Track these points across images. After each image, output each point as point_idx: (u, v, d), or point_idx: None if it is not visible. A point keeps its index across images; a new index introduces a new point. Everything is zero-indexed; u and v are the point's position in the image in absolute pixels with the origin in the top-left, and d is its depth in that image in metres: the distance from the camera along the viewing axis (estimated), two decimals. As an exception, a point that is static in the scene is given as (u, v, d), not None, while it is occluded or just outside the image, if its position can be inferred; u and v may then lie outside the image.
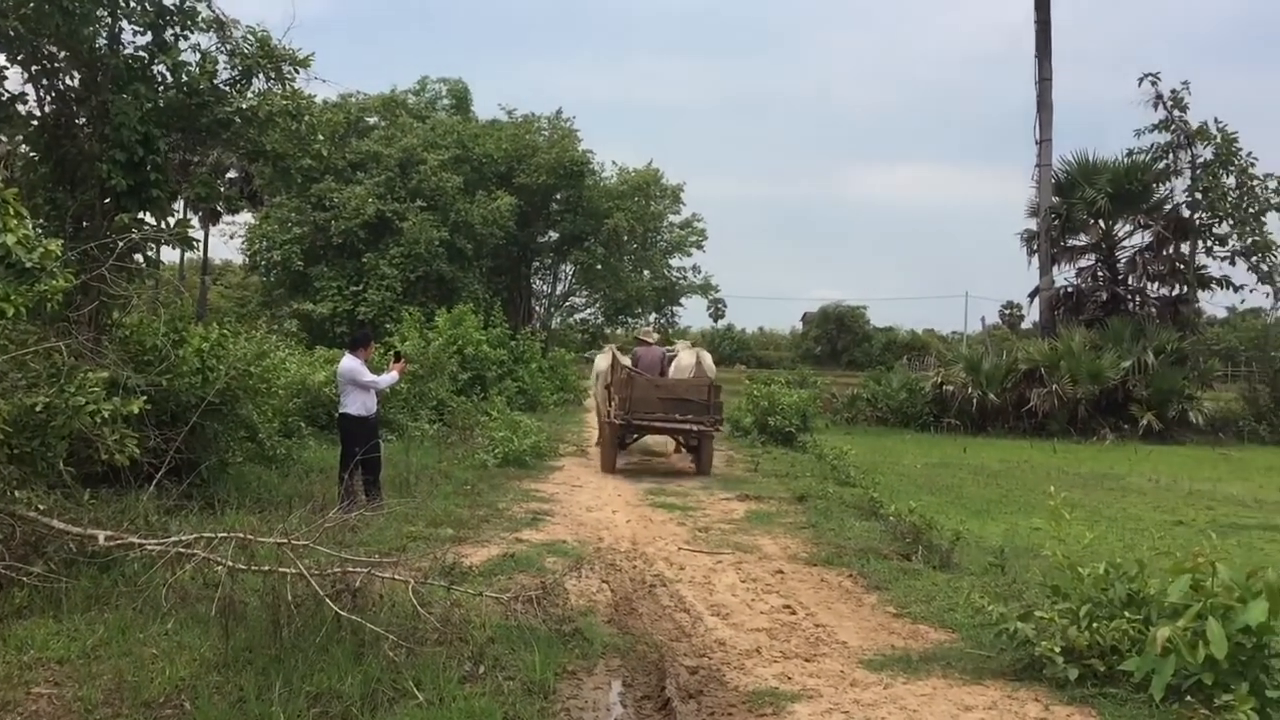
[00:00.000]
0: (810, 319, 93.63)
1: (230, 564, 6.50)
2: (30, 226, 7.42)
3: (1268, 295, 31.75)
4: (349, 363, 12.12)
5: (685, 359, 18.79)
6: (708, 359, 19.07)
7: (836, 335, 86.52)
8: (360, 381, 11.96)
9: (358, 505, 10.39)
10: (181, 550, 6.84)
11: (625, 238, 43.50)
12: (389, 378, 12.65)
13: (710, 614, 8.07)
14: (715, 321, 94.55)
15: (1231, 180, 30.83)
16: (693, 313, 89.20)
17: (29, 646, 6.05)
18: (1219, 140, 30.73)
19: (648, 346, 19.16)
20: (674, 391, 17.01)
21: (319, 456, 14.78)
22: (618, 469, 17.26)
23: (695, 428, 16.96)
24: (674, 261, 48.17)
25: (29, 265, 7.27)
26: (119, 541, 7.13)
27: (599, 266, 43.77)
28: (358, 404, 11.97)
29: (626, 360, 18.36)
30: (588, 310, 49.05)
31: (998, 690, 6.26)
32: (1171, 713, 5.45)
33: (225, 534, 6.94)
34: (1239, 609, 5.62)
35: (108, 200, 10.95)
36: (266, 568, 6.50)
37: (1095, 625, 6.29)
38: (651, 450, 20.43)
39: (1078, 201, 32.66)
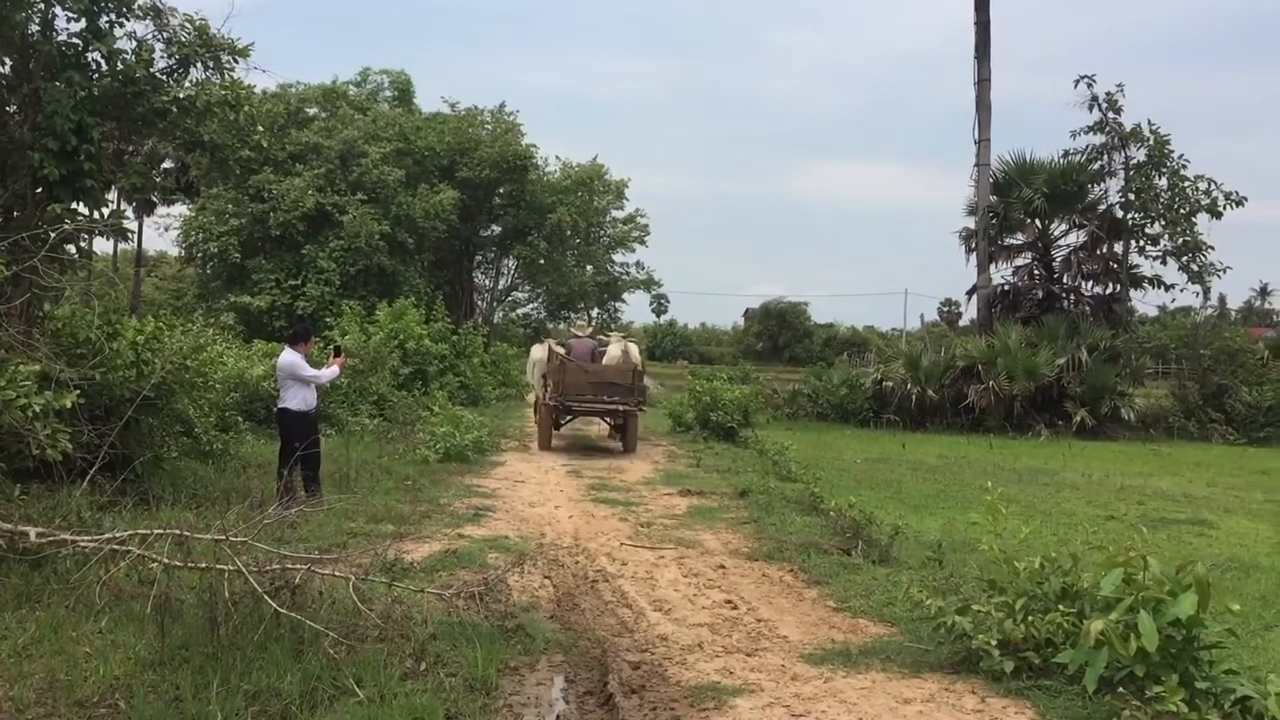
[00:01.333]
0: (752, 315, 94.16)
1: (166, 561, 6.39)
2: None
3: (1197, 294, 32.54)
4: (289, 357, 11.96)
5: (614, 349, 20.48)
6: (634, 349, 20.76)
7: (778, 331, 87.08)
8: (301, 376, 11.81)
9: (297, 501, 10.32)
10: (115, 547, 6.71)
11: (568, 233, 43.52)
12: (330, 372, 12.51)
13: (652, 609, 8.09)
14: (658, 317, 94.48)
15: (1164, 181, 31.43)
16: (635, 308, 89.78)
17: (-43, 646, 5.91)
18: (1152, 142, 31.32)
19: (579, 339, 21.37)
20: (602, 376, 19.35)
21: (256, 451, 14.58)
22: (553, 448, 19.24)
23: (621, 407, 19.52)
24: (617, 257, 48.36)
25: (-43, 256, 7.11)
26: (51, 538, 6.99)
27: (542, 261, 43.74)
28: (297, 399, 11.83)
29: (561, 350, 20.34)
30: (530, 305, 49.08)
31: (935, 683, 6.35)
32: (1104, 704, 5.56)
33: (161, 530, 6.82)
34: (1169, 602, 5.74)
35: (39, 190, 10.71)
36: (203, 565, 6.40)
37: (1030, 619, 6.40)
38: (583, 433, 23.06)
39: (1015, 201, 33.12)
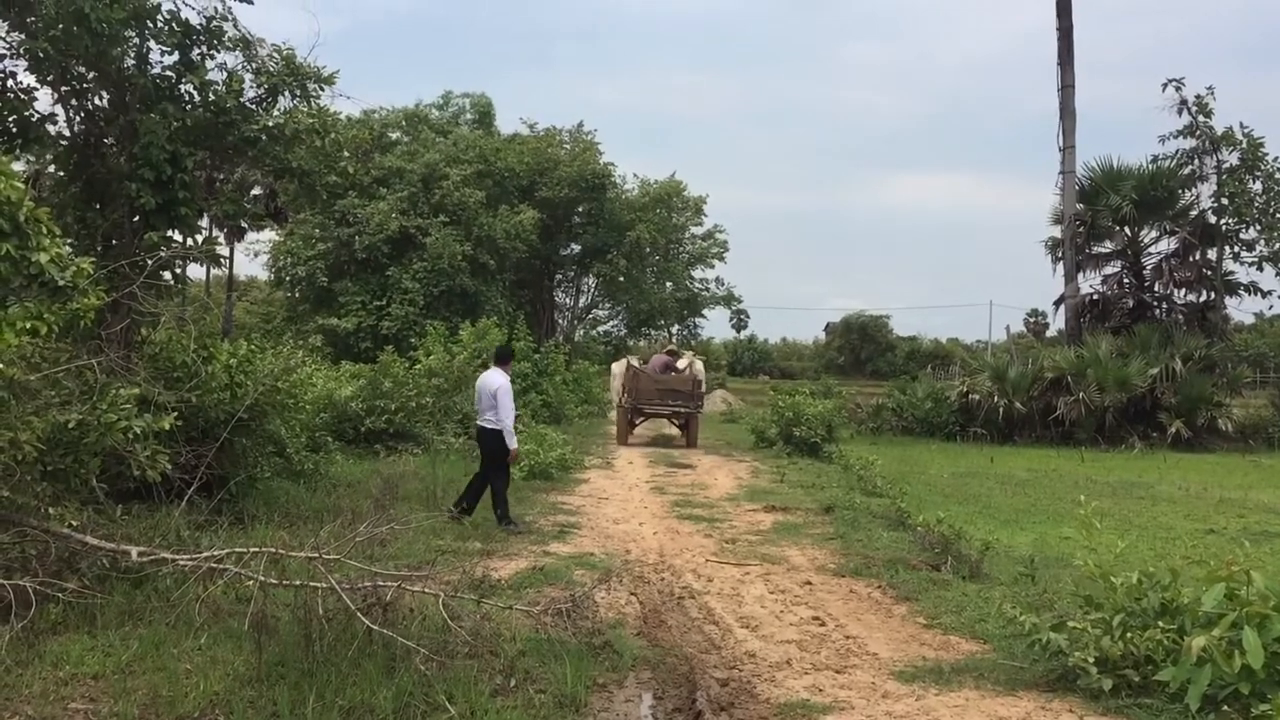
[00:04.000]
0: (833, 329, 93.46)
1: (262, 579, 6.54)
2: (63, 245, 7.51)
3: (1296, 301, 31.52)
4: (499, 379, 12.16)
5: (682, 364, 26.50)
6: (699, 365, 27.14)
7: (860, 345, 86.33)
8: (501, 401, 11.96)
9: (517, 523, 11.71)
10: (213, 565, 6.89)
11: (647, 250, 43.68)
12: (511, 417, 12.34)
13: (739, 626, 8.05)
14: (738, 332, 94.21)
15: (1258, 185, 30.66)
16: (715, 324, 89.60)
17: (64, 663, 6.09)
18: (1244, 145, 30.55)
19: (658, 355, 27.82)
20: (668, 385, 25.07)
21: (346, 471, 14.85)
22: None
23: (682, 410, 25.40)
24: (696, 273, 48.43)
25: (62, 284, 7.36)
26: (151, 557, 7.18)
27: (621, 279, 43.91)
28: (496, 419, 12.08)
29: (638, 365, 26.24)
30: (610, 323, 49.32)
31: (1031, 701, 6.22)
32: (1208, 723, 5.40)
33: (256, 549, 6.98)
34: (1275, 617, 5.57)
35: (136, 218, 11.06)
36: (298, 582, 6.53)
37: (1129, 635, 6.24)
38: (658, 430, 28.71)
39: (1103, 208, 32.47)
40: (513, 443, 12.21)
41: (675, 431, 27.06)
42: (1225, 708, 5.39)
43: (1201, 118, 31.11)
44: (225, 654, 6.28)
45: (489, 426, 12.14)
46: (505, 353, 13.08)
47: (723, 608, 8.63)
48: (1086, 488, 16.67)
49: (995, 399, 29.25)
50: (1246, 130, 30.65)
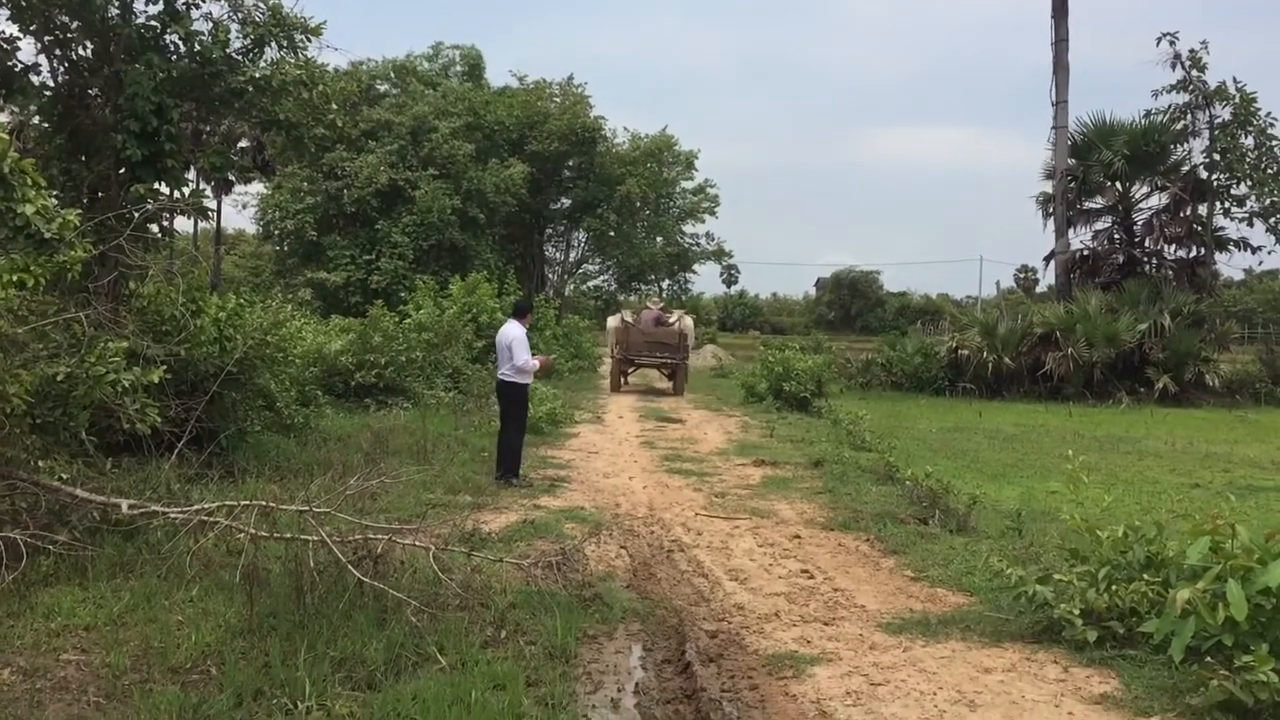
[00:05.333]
0: (823, 285, 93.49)
1: (253, 531, 6.56)
2: (48, 197, 7.44)
3: (1286, 256, 31.57)
4: (514, 330, 12.22)
5: (673, 319, 28.85)
6: (688, 321, 29.81)
7: (850, 301, 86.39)
8: (516, 351, 11.98)
9: (522, 480, 11.75)
10: (204, 518, 6.90)
11: (638, 204, 43.40)
12: (533, 362, 12.44)
13: (728, 579, 8.11)
14: (728, 287, 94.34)
15: (1250, 141, 30.55)
16: (706, 279, 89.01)
17: (56, 614, 6.12)
18: (1237, 100, 30.41)
19: (649, 310, 29.83)
20: (656, 338, 27.50)
21: (336, 425, 14.87)
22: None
23: (669, 361, 27.68)
24: (687, 228, 48.12)
25: (48, 236, 7.32)
26: (142, 510, 7.19)
27: (612, 233, 43.69)
28: (514, 370, 12.12)
29: (631, 319, 28.48)
30: (601, 277, 49.08)
31: (1016, 652, 6.29)
32: (1191, 674, 5.46)
33: (247, 502, 6.99)
34: (1258, 570, 5.61)
35: (122, 170, 10.97)
36: (289, 535, 6.56)
37: (1114, 588, 6.30)
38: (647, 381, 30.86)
39: (1094, 164, 32.37)
40: (532, 363, 12.32)
41: (665, 385, 28.98)
42: (1208, 659, 5.45)
43: (1195, 72, 30.96)
44: (217, 606, 6.31)
45: (507, 379, 12.19)
46: (523, 306, 13.41)
47: (712, 561, 8.68)
48: (1074, 442, 16.76)
49: (984, 354, 29.30)
50: (1239, 85, 30.54)
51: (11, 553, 6.50)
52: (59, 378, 7.68)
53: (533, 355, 12.47)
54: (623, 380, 28.76)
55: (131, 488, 7.94)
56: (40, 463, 7.40)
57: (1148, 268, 32.99)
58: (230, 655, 5.52)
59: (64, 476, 7.41)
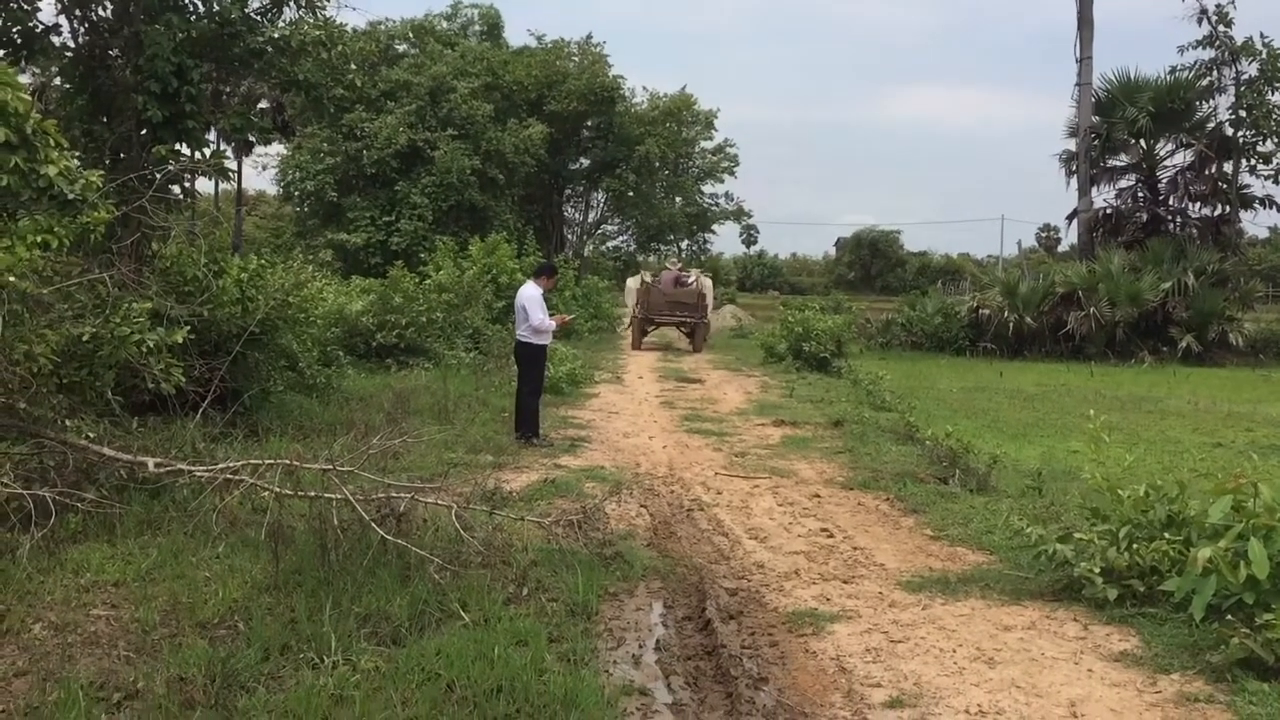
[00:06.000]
0: (843, 244, 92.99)
1: (277, 490, 6.61)
2: (71, 159, 7.46)
3: (1312, 214, 31.19)
4: (529, 290, 12.24)
5: (691, 279, 29.83)
6: (707, 281, 31.08)
7: (870, 260, 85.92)
8: (530, 310, 11.96)
9: (543, 439, 11.77)
10: (229, 477, 6.96)
11: (657, 164, 43.26)
12: (549, 322, 12.38)
13: (748, 537, 8.14)
14: (748, 247, 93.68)
15: (1276, 97, 30.11)
16: (725, 239, 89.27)
17: (85, 570, 6.19)
18: (1264, 56, 29.92)
19: (669, 270, 30.98)
20: (675, 297, 28.70)
21: (358, 385, 14.94)
22: (643, 348, 25.63)
23: (688, 320, 28.99)
24: (706, 188, 47.99)
25: (71, 197, 7.35)
26: (168, 468, 7.25)
27: (631, 194, 43.61)
28: (530, 331, 12.12)
29: (650, 279, 29.54)
30: (620, 238, 49.04)
31: (1036, 610, 6.30)
32: (1212, 632, 5.46)
33: (271, 460, 7.05)
34: (1280, 529, 5.60)
35: (144, 132, 10.97)
36: (312, 493, 6.60)
37: (1135, 546, 6.29)
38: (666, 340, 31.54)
39: (1118, 121, 31.96)
40: (549, 323, 12.26)
41: (684, 344, 30.11)
42: (1229, 617, 5.45)
43: (1221, 28, 30.47)
44: (243, 563, 6.38)
45: (523, 339, 12.20)
46: (541, 268, 13.31)
47: (732, 520, 8.72)
48: (1095, 402, 16.71)
49: (1005, 314, 29.17)
50: (1267, 41, 30.04)
51: (41, 510, 6.58)
52: (84, 338, 7.74)
53: (550, 315, 12.46)
54: (642, 339, 29.56)
55: (157, 446, 7.99)
56: (68, 421, 7.47)
57: (1172, 226, 32.66)
58: (257, 611, 5.59)
59: (91, 435, 7.47)
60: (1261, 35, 30.10)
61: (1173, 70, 31.99)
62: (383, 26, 39.37)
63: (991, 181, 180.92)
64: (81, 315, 7.92)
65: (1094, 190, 33.18)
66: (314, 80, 12.13)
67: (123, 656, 5.06)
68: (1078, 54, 32.14)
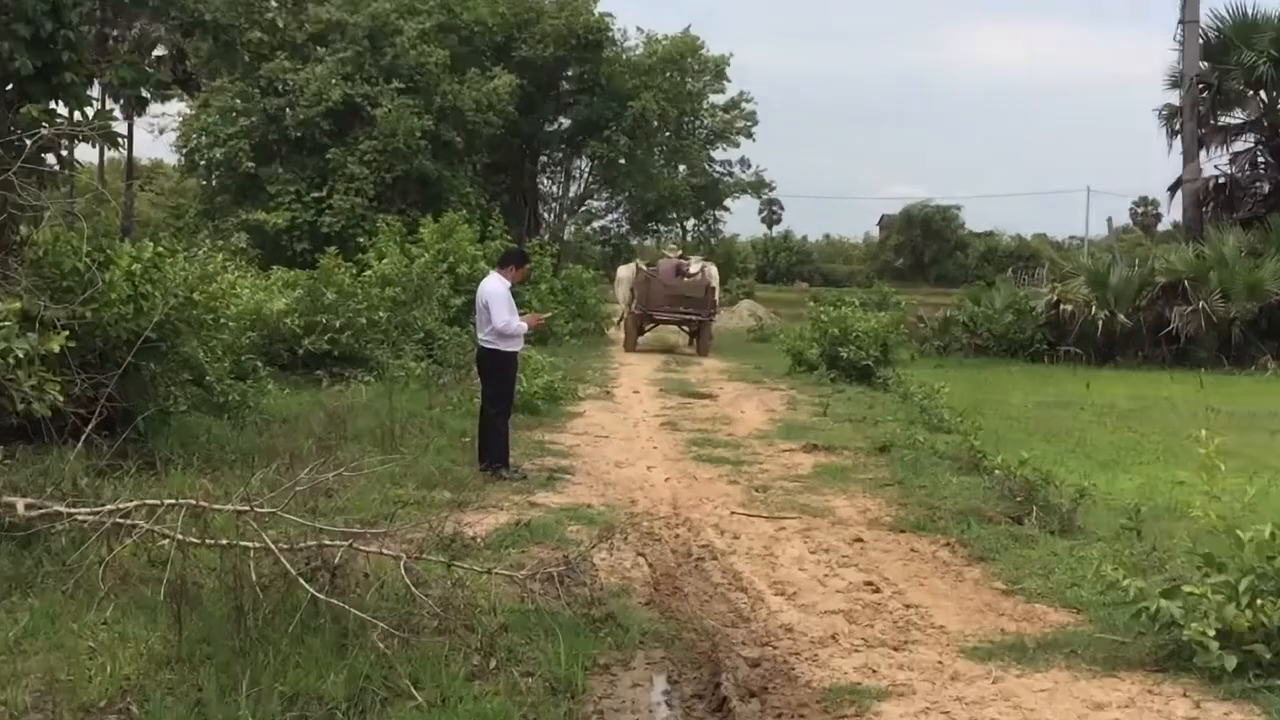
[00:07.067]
0: (889, 224, 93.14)
1: (180, 537, 6.57)
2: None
3: None
4: (491, 284, 12.15)
5: (694, 269, 30.81)
6: (713, 270, 31.76)
7: (922, 243, 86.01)
8: (494, 311, 11.83)
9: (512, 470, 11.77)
10: (119, 520, 6.92)
11: (655, 124, 43.27)
12: (519, 324, 12.22)
13: (774, 593, 8.14)
14: (769, 228, 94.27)
15: None
16: (741, 217, 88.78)
17: (-63, 640, 6.17)
18: None
19: (667, 259, 32.18)
20: (679, 291, 29.55)
21: (280, 404, 14.89)
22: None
23: (694, 318, 29.88)
24: (716, 154, 48.06)
25: (-81, 170, 7.32)
26: (42, 510, 7.22)
27: (622, 161, 43.62)
28: (494, 335, 12.00)
29: (646, 269, 30.26)
30: (609, 216, 49.06)
31: (1135, 684, 6.29)
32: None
33: (172, 500, 7.01)
34: None
35: (9, 87, 10.95)
36: (225, 541, 6.57)
37: (1259, 602, 6.27)
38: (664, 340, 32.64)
39: (1233, 68, 32.10)
40: (517, 324, 12.09)
41: (686, 345, 31.49)
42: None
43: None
44: (137, 629, 6.34)
45: (487, 346, 12.14)
46: (508, 256, 13.41)
47: (753, 571, 8.72)
48: (1207, 420, 16.72)
49: (1093, 310, 29.25)
50: None
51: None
52: (-64, 348, 7.72)
53: (521, 315, 12.41)
54: (638, 339, 30.62)
55: (29, 483, 7.97)
56: (-85, 453, 7.45)
57: (1300, 199, 32.76)
58: (155, 690, 5.57)
59: (-56, 470, 7.44)
60: None
61: (1301, 5, 32.14)
62: (310, -47, 39.45)
63: (1075, 144, 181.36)
64: (-68, 319, 7.90)
65: (1203, 154, 33.35)
66: (223, 20, 12.15)
67: (-16, 751, 5.04)
68: (1182, -15, 32.29)
